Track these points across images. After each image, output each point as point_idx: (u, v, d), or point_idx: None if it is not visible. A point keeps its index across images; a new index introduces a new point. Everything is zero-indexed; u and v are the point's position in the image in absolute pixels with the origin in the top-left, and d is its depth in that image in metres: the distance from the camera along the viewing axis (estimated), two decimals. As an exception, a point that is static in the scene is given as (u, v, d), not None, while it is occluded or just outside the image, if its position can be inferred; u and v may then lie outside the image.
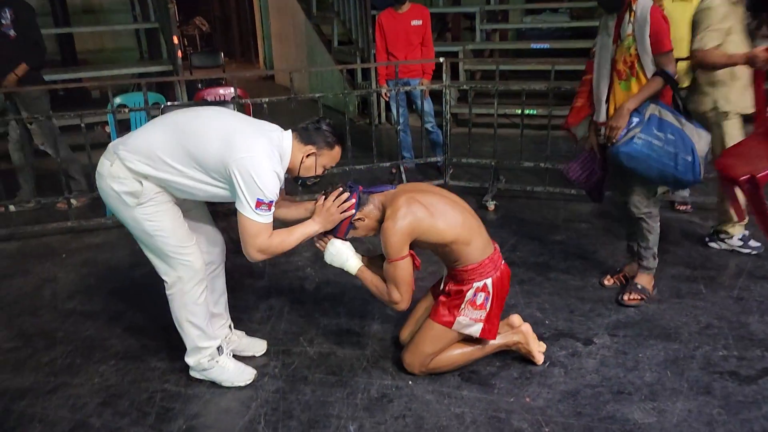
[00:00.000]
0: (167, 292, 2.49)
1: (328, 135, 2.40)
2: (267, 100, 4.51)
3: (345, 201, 2.42)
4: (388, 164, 5.05)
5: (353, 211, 2.43)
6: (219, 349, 2.62)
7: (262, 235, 2.27)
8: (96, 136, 5.85)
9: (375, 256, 2.66)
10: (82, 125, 4.35)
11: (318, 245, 2.57)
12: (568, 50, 6.91)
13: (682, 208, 4.40)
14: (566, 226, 4.21)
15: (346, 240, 2.53)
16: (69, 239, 4.39)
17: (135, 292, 3.53)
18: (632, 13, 2.83)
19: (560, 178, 4.93)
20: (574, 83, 4.48)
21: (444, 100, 4.83)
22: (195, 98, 5.03)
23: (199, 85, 6.59)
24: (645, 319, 3.00)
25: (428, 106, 5.12)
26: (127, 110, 4.73)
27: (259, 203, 2.21)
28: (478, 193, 4.79)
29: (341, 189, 2.45)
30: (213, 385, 2.64)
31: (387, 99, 5.39)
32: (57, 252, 4.18)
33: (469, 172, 5.33)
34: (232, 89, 4.97)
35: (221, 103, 4.49)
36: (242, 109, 4.53)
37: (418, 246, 2.48)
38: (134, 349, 2.97)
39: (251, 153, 2.20)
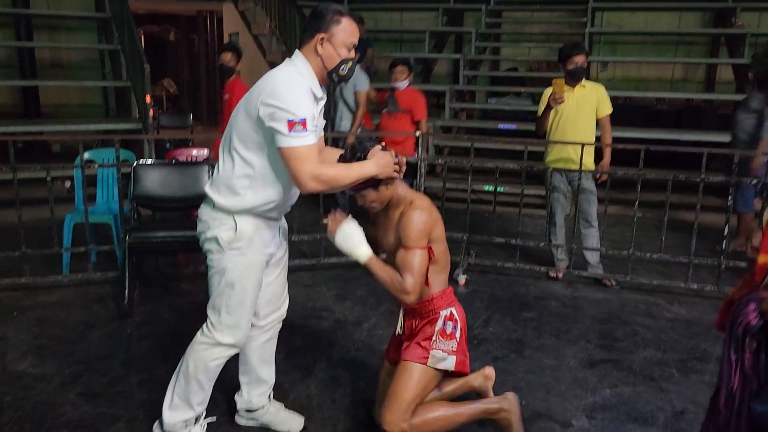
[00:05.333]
0: (198, 337, 2.38)
1: (327, 12, 2.22)
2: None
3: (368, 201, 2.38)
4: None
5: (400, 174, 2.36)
6: (197, 419, 2.47)
7: (309, 158, 2.11)
8: (55, 190, 5.68)
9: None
10: (48, 179, 4.22)
11: (329, 222, 2.40)
12: (533, 132, 7.17)
13: (609, 283, 4.55)
14: (537, 303, 4.22)
15: (363, 195, 2.38)
16: (22, 296, 4.15)
17: (91, 355, 3.33)
18: None
19: (530, 255, 5.02)
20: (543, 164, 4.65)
21: (419, 173, 4.89)
22: (166, 157, 4.97)
23: (168, 145, 6.54)
24: (621, 402, 2.98)
25: None
26: (95, 165, 4.65)
27: (291, 124, 2.06)
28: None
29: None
30: (175, 461, 2.46)
31: None
32: (8, 310, 3.94)
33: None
34: (205, 150, 4.95)
35: (194, 164, 4.43)
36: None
37: None
38: (88, 417, 2.77)
39: (267, 87, 2.14)
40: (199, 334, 2.39)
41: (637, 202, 4.53)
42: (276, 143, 2.13)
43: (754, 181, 4.59)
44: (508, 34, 9.83)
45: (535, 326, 3.84)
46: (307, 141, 2.10)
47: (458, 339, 2.44)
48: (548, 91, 4.36)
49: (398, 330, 2.56)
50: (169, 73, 15.74)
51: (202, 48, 15.24)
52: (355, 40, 2.27)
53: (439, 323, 2.42)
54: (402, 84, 5.44)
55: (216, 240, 2.29)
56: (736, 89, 8.26)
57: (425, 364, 2.40)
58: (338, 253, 4.90)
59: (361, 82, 5.63)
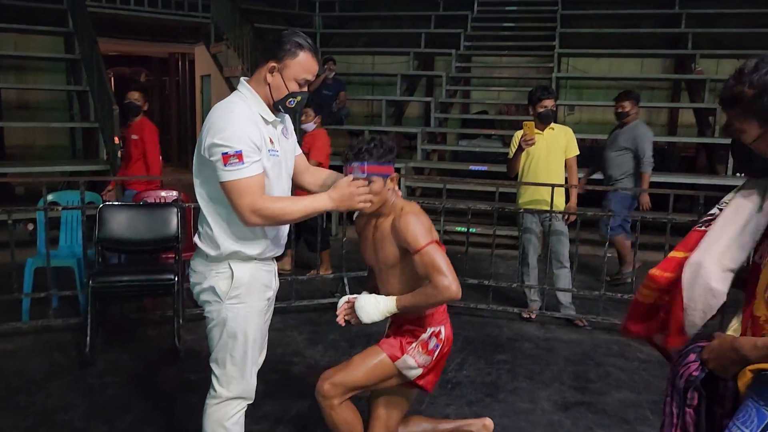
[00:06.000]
0: (207, 402, 2.25)
1: (286, 42, 2.08)
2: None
3: (368, 193, 2.19)
4: (332, 275, 4.98)
5: (369, 204, 2.21)
6: None
7: (247, 192, 1.99)
8: (17, 234, 5.52)
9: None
10: (10, 222, 4.10)
11: (345, 317, 2.34)
12: (504, 173, 7.25)
13: (581, 324, 4.57)
14: (510, 345, 4.19)
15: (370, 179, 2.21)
16: (-23, 344, 3.98)
17: (50, 407, 3.18)
18: None
19: (502, 296, 5.00)
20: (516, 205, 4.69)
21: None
22: (134, 199, 4.87)
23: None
24: (597, 445, 2.94)
25: None
26: (59, 208, 4.54)
27: (226, 157, 1.96)
28: (421, 309, 4.73)
29: (363, 177, 2.20)
30: None
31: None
32: (-39, 359, 3.77)
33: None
34: (174, 192, 4.87)
35: (163, 205, 4.36)
36: (184, 212, 4.42)
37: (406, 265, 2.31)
38: (45, 474, 2.63)
39: (207, 122, 2.05)
40: (207, 398, 2.25)
41: (606, 243, 4.57)
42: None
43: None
44: (478, 78, 10.03)
45: (509, 369, 3.80)
46: (244, 174, 1.99)
47: (434, 358, 2.40)
48: (519, 133, 4.40)
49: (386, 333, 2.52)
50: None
51: (174, 90, 15.24)
52: (309, 76, 2.14)
53: (424, 335, 2.39)
54: (308, 126, 5.49)
55: (213, 290, 2.16)
56: (697, 132, 8.51)
57: (394, 361, 2.37)
58: (310, 296, 4.89)
59: None
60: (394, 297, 2.28)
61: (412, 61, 9.90)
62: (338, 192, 2.15)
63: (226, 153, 1.97)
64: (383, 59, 10.55)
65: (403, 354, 2.37)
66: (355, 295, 2.35)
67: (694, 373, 1.56)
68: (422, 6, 10.61)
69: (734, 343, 1.48)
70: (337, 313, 2.37)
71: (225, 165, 1.98)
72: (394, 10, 10.87)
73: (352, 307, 2.32)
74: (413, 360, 2.37)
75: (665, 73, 9.76)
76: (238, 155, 1.97)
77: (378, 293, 2.39)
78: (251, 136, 2.02)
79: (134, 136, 5.15)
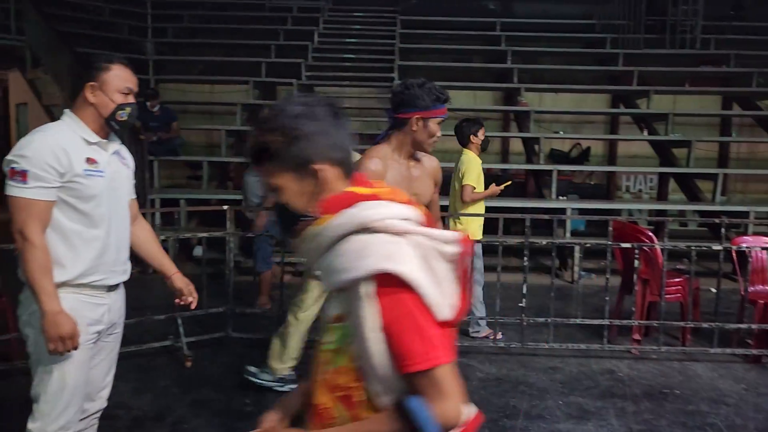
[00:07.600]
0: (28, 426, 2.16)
1: (95, 62, 2.19)
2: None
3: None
4: (163, 317, 4.60)
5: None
6: None
7: (23, 212, 2.02)
8: None
9: None
10: None
11: None
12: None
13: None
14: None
15: None
16: None
17: None
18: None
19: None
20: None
21: (227, 248, 4.64)
22: None
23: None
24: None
25: None
26: None
27: (12, 172, 2.03)
28: (262, 345, 4.50)
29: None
30: None
31: None
32: None
33: (253, 323, 5.06)
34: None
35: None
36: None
37: None
38: None
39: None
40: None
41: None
42: None
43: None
44: (321, 108, 10.07)
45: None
46: (23, 193, 2.03)
47: None
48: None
49: None
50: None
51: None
52: (131, 84, 2.22)
53: None
54: None
55: (31, 322, 2.10)
56: (525, 159, 9.13)
57: None
58: (139, 339, 4.46)
59: None
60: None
61: (252, 90, 9.69)
62: (62, 323, 2.02)
63: (13, 168, 2.03)
64: (222, 88, 10.27)
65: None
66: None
67: None
68: (262, 35, 10.48)
69: None
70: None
71: (10, 179, 2.04)
72: (233, 38, 10.65)
73: None
74: None
75: (496, 105, 10.43)
76: (23, 174, 2.02)
77: None
78: (50, 160, 2.04)
79: None
